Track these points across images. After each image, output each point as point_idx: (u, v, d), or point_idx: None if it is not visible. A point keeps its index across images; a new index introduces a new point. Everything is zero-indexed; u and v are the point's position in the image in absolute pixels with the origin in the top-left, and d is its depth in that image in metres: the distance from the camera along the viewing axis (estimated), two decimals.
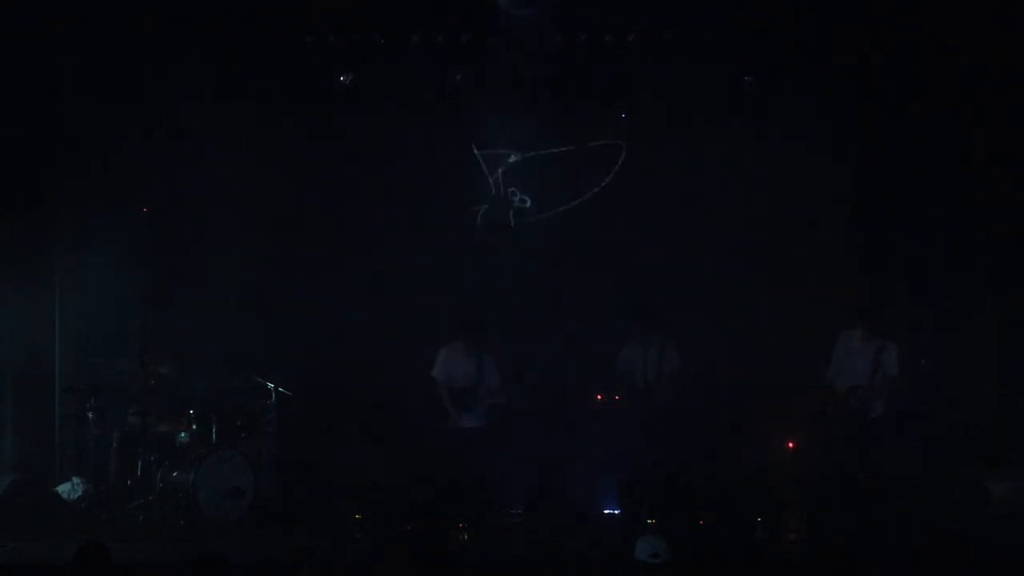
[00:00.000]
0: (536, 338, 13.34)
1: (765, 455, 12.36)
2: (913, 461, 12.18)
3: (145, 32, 12.43)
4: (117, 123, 12.74)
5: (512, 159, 13.69)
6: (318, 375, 13.23)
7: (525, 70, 12.82)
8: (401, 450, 12.44)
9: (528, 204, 13.75)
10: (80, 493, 12.51)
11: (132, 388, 12.58)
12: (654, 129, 13.25)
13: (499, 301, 13.32)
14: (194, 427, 12.40)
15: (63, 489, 12.56)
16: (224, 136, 12.71)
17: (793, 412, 12.56)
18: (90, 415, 12.59)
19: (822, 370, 12.26)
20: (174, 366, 12.87)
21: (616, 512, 12.13)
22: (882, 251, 13.31)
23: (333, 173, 13.64)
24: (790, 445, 12.78)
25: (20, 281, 13.11)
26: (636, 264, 13.28)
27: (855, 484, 11.66)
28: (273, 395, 12.72)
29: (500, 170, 13.71)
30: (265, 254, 13.34)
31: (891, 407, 12.13)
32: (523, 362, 13.13)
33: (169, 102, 12.59)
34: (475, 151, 13.67)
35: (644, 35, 12.80)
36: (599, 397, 13.17)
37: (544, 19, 12.44)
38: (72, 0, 12.19)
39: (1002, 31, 12.01)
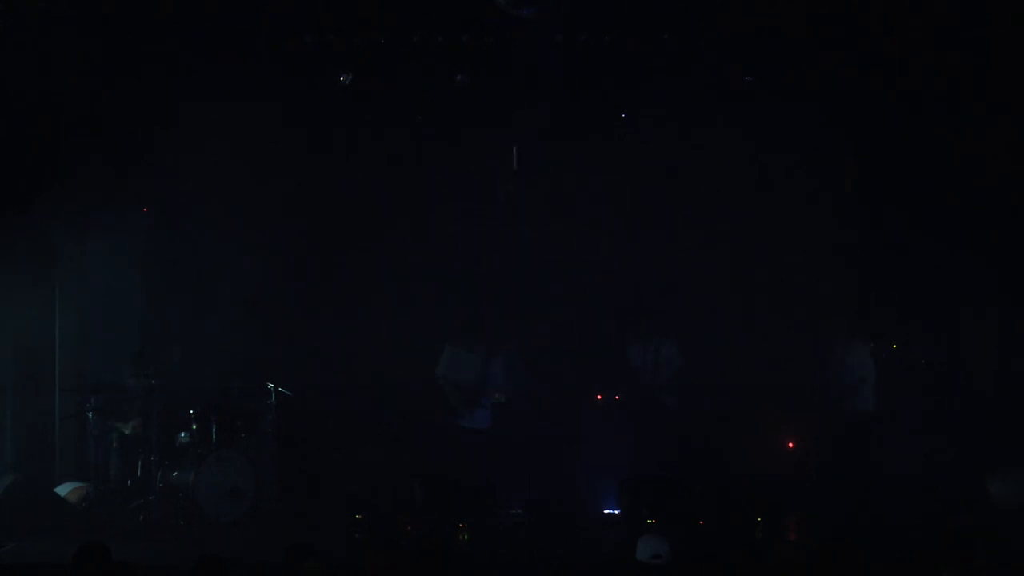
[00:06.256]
0: (537, 337, 13.34)
1: (765, 455, 12.36)
2: (913, 461, 12.17)
3: (145, 32, 12.42)
4: (117, 122, 12.74)
5: (511, 158, 13.67)
6: (318, 374, 13.22)
7: (525, 70, 12.81)
8: (401, 450, 12.43)
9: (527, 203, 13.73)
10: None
11: (132, 388, 12.57)
12: (654, 129, 13.23)
13: (501, 300, 13.33)
14: (194, 427, 12.41)
15: (63, 489, 12.56)
16: (224, 136, 12.70)
17: (793, 412, 12.57)
18: (90, 415, 12.60)
19: (821, 373, 12.26)
20: (174, 365, 12.87)
21: (616, 512, 12.13)
22: (882, 250, 13.31)
23: (333, 173, 13.64)
24: (790, 445, 12.79)
25: (20, 280, 13.11)
26: (636, 264, 13.27)
27: (855, 484, 11.66)
28: (273, 395, 12.73)
29: (501, 170, 13.70)
30: (265, 253, 13.33)
31: (891, 407, 12.14)
32: (524, 361, 13.13)
33: (169, 102, 12.59)
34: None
35: (644, 35, 12.79)
36: (599, 397, 13.18)
37: (544, 19, 12.42)
38: (72, 0, 12.18)
39: (1003, 31, 12.00)
